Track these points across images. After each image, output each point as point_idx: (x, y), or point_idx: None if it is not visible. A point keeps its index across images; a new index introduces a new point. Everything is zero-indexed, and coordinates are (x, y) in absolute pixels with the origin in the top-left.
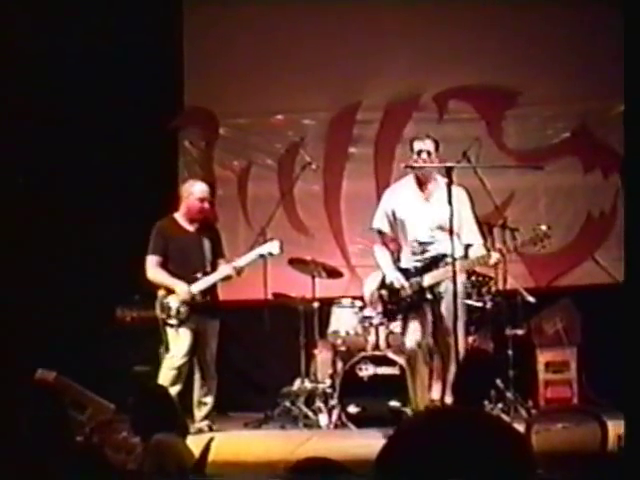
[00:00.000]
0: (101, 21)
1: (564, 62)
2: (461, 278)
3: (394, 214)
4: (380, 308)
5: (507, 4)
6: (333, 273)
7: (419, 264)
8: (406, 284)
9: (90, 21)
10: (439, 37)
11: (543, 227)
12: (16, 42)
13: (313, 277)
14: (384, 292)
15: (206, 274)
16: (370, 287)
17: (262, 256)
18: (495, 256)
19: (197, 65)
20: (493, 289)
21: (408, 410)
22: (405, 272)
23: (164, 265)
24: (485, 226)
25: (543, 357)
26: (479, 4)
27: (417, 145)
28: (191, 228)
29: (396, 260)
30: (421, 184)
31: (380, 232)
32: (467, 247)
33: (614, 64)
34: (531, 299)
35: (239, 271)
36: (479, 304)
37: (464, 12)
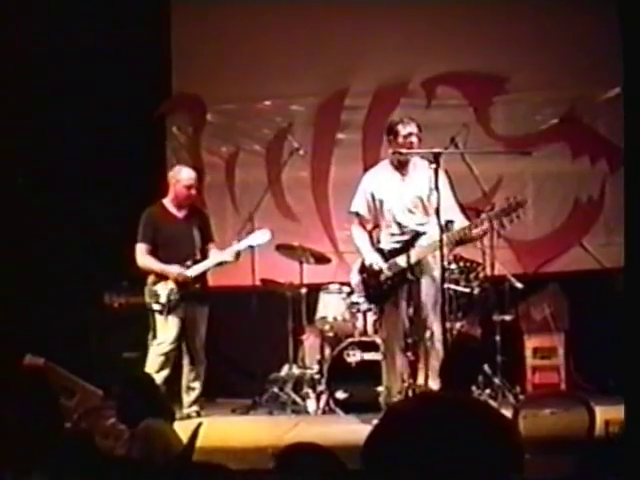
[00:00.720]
0: (87, 8)
1: (553, 48)
2: (445, 258)
3: (373, 196)
4: (363, 292)
5: None
6: (321, 259)
7: (398, 245)
8: (384, 266)
9: (75, 8)
10: (427, 23)
11: (518, 197)
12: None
13: (301, 263)
14: (365, 275)
15: (196, 261)
16: (356, 271)
17: (253, 248)
18: (476, 230)
19: (185, 51)
20: (481, 275)
21: (381, 397)
22: (384, 253)
23: (154, 252)
24: (473, 212)
25: (531, 343)
26: None
27: (405, 129)
28: (180, 214)
29: (376, 242)
30: (398, 165)
31: (358, 215)
32: (447, 224)
33: (603, 50)
34: (519, 285)
35: (236, 257)
36: (467, 290)
37: None
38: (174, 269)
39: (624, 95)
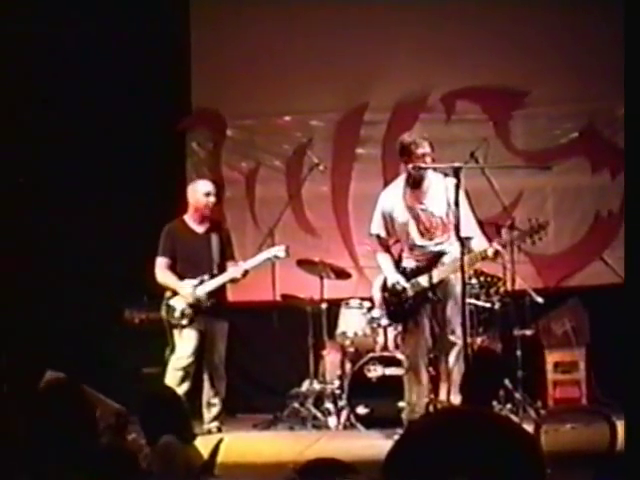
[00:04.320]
0: (108, 23)
1: (571, 62)
2: (466, 275)
3: (390, 217)
4: (385, 310)
5: (515, 4)
6: (341, 274)
7: (420, 264)
8: (407, 285)
9: (97, 23)
10: (446, 38)
11: (540, 219)
12: (25, 42)
13: (321, 278)
14: (387, 295)
15: (213, 276)
16: (378, 288)
17: (269, 259)
18: (491, 249)
19: (204, 66)
20: (501, 290)
21: (404, 413)
22: (406, 273)
23: (173, 266)
24: (493, 226)
25: (552, 357)
26: (487, 4)
27: (418, 150)
28: (200, 230)
29: (398, 261)
30: (414, 183)
31: (379, 237)
32: (465, 240)
33: (622, 64)
34: (539, 299)
35: (244, 273)
36: (487, 305)
37: (471, 12)
38: (185, 289)
39: (625, 109)
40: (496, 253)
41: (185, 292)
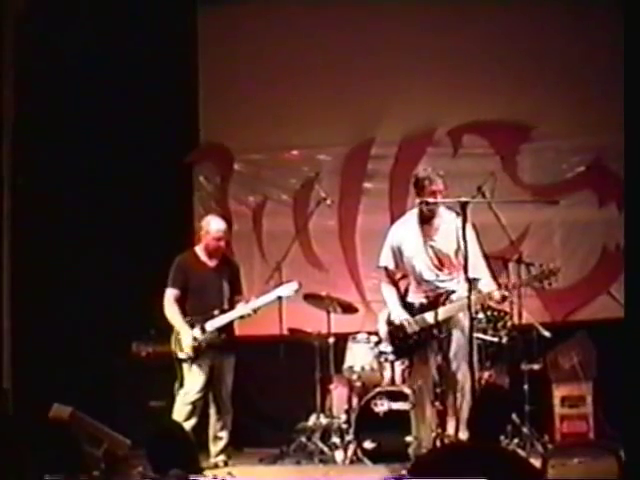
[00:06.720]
0: (118, 56)
1: (578, 96)
2: (472, 313)
3: (400, 250)
4: (390, 345)
5: (521, 39)
6: (348, 308)
7: (425, 300)
8: (412, 320)
9: (108, 55)
10: (453, 72)
11: (551, 265)
12: (38, 80)
13: (328, 312)
14: (392, 328)
15: (223, 311)
16: (384, 321)
17: (280, 298)
18: (498, 293)
19: (212, 101)
20: (509, 324)
21: (410, 448)
22: (411, 308)
23: (182, 299)
24: (500, 261)
25: (559, 392)
26: (493, 39)
27: (431, 186)
28: (211, 263)
29: (403, 294)
30: (425, 220)
31: (387, 269)
32: (474, 281)
33: None
34: (547, 334)
35: (255, 310)
36: (495, 339)
37: (477, 47)
38: (187, 336)
39: (625, 142)
40: (503, 298)
41: (186, 335)
